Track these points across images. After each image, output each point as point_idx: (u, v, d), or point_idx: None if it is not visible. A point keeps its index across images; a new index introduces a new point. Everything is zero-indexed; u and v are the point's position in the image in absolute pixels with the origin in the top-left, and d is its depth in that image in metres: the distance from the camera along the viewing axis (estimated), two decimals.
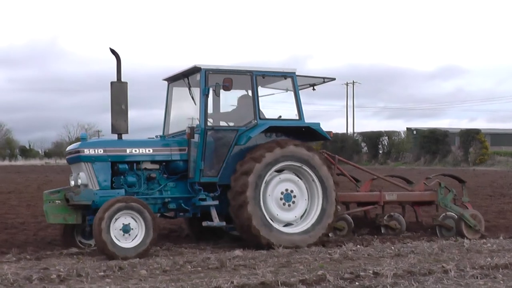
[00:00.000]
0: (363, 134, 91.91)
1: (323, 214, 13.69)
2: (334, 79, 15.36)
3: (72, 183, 13.32)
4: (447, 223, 15.30)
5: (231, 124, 14.35)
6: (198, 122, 13.60)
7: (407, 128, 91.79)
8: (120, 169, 13.22)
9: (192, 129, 13.35)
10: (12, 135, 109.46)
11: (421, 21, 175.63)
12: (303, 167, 13.63)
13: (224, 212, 13.57)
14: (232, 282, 9.74)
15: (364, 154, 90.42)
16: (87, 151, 13.00)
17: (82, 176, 12.97)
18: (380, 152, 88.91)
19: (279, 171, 13.70)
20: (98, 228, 12.01)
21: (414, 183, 16.33)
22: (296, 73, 14.31)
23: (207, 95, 13.39)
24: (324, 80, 15.29)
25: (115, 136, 13.60)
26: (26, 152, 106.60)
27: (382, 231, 15.44)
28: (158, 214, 14.03)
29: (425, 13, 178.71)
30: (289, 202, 13.64)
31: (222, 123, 14.59)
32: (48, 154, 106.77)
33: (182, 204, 13.49)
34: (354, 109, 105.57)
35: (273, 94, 15.07)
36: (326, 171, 13.78)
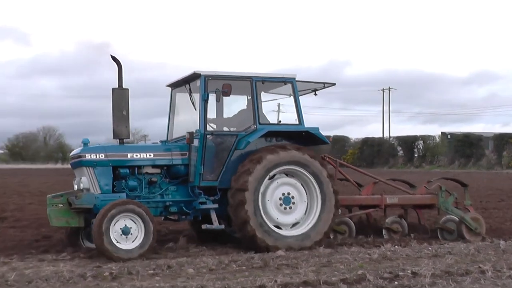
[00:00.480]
0: (399, 138, 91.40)
1: (320, 219, 13.32)
2: (334, 84, 15.01)
3: (76, 187, 13.18)
4: (448, 226, 14.89)
5: (233, 129, 13.96)
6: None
7: (441, 132, 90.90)
8: (121, 173, 13.04)
9: (191, 134, 13.14)
10: (64, 139, 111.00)
11: (455, 27, 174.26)
12: (303, 171, 13.30)
13: (224, 215, 13.32)
14: (275, 281, 9.71)
15: (400, 157, 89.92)
16: (88, 156, 12.85)
17: (84, 181, 12.85)
18: (416, 155, 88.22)
19: (280, 175, 13.40)
20: (98, 232, 11.86)
21: (417, 187, 15.89)
22: (296, 79, 13.94)
23: (206, 101, 13.13)
24: (325, 85, 14.94)
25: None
26: None
27: (384, 234, 14.98)
28: (162, 217, 14.06)
29: (460, 20, 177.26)
30: (288, 206, 13.29)
31: (226, 128, 14.25)
32: None
33: (183, 208, 13.24)
34: (390, 114, 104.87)
35: (276, 99, 14.88)
36: (326, 177, 13.42)
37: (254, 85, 13.38)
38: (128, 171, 13.08)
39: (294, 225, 13.37)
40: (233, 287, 9.42)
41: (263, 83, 13.63)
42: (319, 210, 13.34)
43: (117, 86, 13.10)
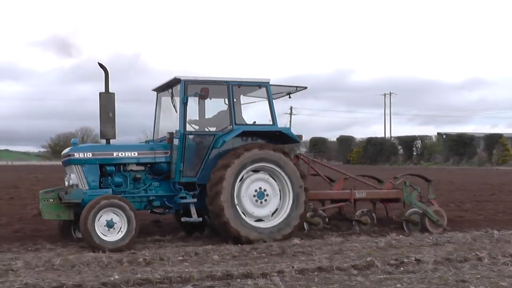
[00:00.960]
0: (399, 138, 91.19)
1: (291, 213, 12.98)
2: (305, 87, 14.63)
3: (66, 183, 12.98)
4: (413, 219, 14.53)
5: (213, 129, 13.63)
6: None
7: (437, 133, 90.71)
8: (107, 170, 12.85)
9: (171, 134, 12.98)
10: (99, 139, 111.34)
11: (449, 38, 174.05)
12: (275, 168, 12.98)
13: (203, 208, 13.02)
14: (293, 267, 9.67)
15: (400, 155, 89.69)
16: (77, 155, 12.71)
17: (73, 177, 12.70)
18: (414, 154, 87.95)
19: (255, 171, 13.10)
20: (84, 227, 11.69)
21: (384, 182, 15.45)
22: (270, 83, 13.58)
23: (186, 104, 12.88)
24: (297, 88, 14.56)
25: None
26: None
27: (354, 226, 14.58)
28: (149, 211, 13.81)
29: (454, 31, 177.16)
30: (262, 200, 12.97)
31: (207, 129, 13.87)
32: None
33: (166, 202, 13.03)
34: (391, 116, 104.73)
35: (255, 102, 14.13)
36: (297, 174, 13.09)
37: (231, 89, 13.19)
38: (114, 168, 12.91)
39: (265, 218, 13.04)
40: (255, 272, 9.33)
41: (239, 87, 13.43)
42: (290, 205, 13.02)
43: (104, 91, 12.91)
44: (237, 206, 12.70)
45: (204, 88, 12.79)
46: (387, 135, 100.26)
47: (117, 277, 9.00)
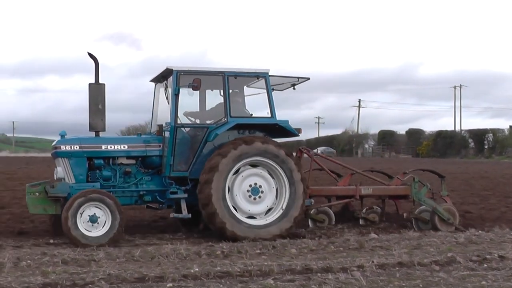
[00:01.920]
0: (470, 131, 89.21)
1: (289, 208, 12.37)
2: (308, 78, 13.85)
3: (55, 176, 12.66)
4: (423, 216, 13.76)
5: (210, 121, 12.96)
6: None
7: (510, 126, 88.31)
8: (95, 164, 12.44)
9: (160, 126, 12.66)
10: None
11: None
12: (270, 162, 12.37)
13: (195, 204, 12.39)
14: (372, 262, 9.53)
15: (471, 149, 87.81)
16: (63, 147, 12.31)
17: (59, 171, 12.35)
18: (486, 147, 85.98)
19: (250, 166, 12.52)
20: (66, 227, 11.32)
21: (394, 178, 14.60)
22: (270, 74, 12.99)
23: (177, 95, 12.32)
24: (299, 79, 13.79)
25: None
26: None
27: (361, 223, 14.08)
28: (145, 206, 13.51)
29: None
30: (256, 196, 12.34)
31: (206, 121, 13.22)
32: None
33: (157, 197, 12.57)
34: (461, 109, 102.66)
35: (259, 93, 13.30)
36: (294, 166, 12.47)
37: (226, 80, 12.58)
38: (102, 161, 12.51)
39: (261, 214, 12.44)
40: (334, 266, 9.22)
41: (235, 78, 12.81)
42: (287, 198, 12.42)
43: (94, 82, 12.54)
44: (230, 207, 12.12)
45: (196, 79, 12.23)
46: (457, 128, 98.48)
47: (197, 269, 9.01)
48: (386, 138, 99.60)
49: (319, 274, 8.83)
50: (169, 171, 12.37)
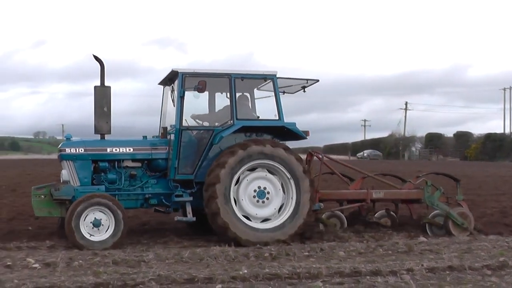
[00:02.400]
0: None
1: (295, 213, 12.08)
2: (317, 80, 13.50)
3: (61, 179, 12.51)
4: (436, 221, 13.32)
5: (217, 124, 12.63)
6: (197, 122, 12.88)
7: None
8: (100, 166, 12.28)
9: (165, 129, 12.55)
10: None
11: None
12: (278, 166, 12.09)
13: (201, 207, 12.17)
14: (422, 265, 9.39)
15: None
16: (68, 150, 12.15)
17: (64, 173, 12.21)
18: None
19: (254, 169, 12.22)
20: (69, 231, 11.22)
21: (407, 181, 14.16)
22: (279, 76, 12.73)
23: (182, 97, 12.12)
24: (308, 81, 13.48)
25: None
26: None
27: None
28: (153, 209, 13.22)
29: None
30: (263, 199, 12.08)
31: (216, 124, 12.76)
32: None
33: (163, 200, 12.35)
34: (511, 111, 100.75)
35: (269, 96, 12.86)
36: (301, 172, 12.16)
37: (233, 82, 12.33)
38: (107, 164, 12.34)
39: (268, 218, 12.18)
40: (383, 269, 9.10)
41: (242, 80, 12.52)
42: (294, 204, 12.14)
43: (99, 84, 12.39)
44: (234, 208, 11.88)
45: (201, 81, 11.96)
46: (507, 131, 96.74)
47: (245, 271, 8.99)
48: (434, 141, 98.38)
49: (368, 277, 8.74)
50: (174, 174, 12.21)
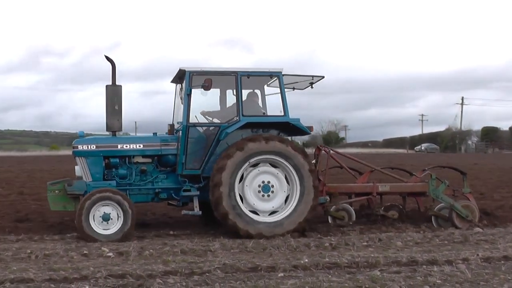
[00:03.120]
0: None
1: (296, 210, 11.98)
2: (323, 77, 13.33)
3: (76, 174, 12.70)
4: (442, 213, 13.07)
5: (225, 121, 12.60)
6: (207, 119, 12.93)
7: None
8: (111, 162, 12.42)
9: (172, 126, 12.66)
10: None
11: None
12: (284, 162, 12.02)
13: (208, 201, 12.16)
14: (477, 255, 9.44)
15: None
16: (81, 147, 12.33)
17: (77, 169, 12.43)
18: None
19: (257, 164, 12.13)
20: (79, 224, 11.31)
21: (414, 175, 13.97)
22: (284, 73, 12.64)
23: (189, 95, 12.16)
24: (313, 78, 13.30)
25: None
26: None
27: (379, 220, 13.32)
28: (167, 203, 13.39)
29: None
30: (267, 193, 12.02)
31: (224, 120, 12.73)
32: (305, 145, 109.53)
33: (173, 194, 12.42)
34: None
35: (278, 93, 12.71)
36: (307, 170, 12.05)
37: (239, 80, 12.29)
38: (118, 160, 12.49)
39: (272, 212, 12.08)
40: (439, 259, 9.19)
41: (248, 77, 12.48)
42: (297, 201, 12.02)
43: (111, 83, 12.47)
44: (238, 200, 11.86)
45: (207, 79, 12.04)
46: None
47: (306, 260, 9.18)
48: (490, 134, 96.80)
49: (424, 266, 8.81)
50: (181, 169, 12.29)
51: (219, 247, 10.41)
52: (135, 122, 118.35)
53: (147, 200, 12.64)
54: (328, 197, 13.10)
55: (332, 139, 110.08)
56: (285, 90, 12.61)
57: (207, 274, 8.44)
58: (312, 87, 13.54)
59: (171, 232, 12.28)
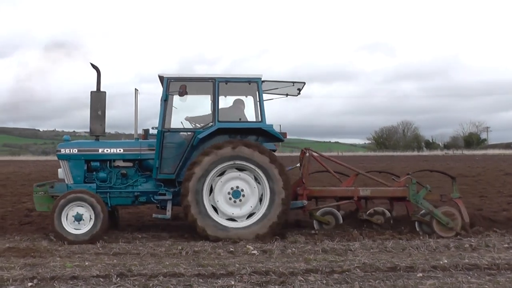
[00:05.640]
0: None
1: (267, 214, 11.34)
2: (304, 83, 12.61)
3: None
4: (425, 219, 11.84)
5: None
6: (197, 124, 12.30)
7: None
8: (92, 166, 12.24)
9: (146, 131, 12.37)
10: (419, 131, 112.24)
11: None
12: (252, 166, 11.44)
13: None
14: None
15: None
16: (63, 151, 12.20)
17: (60, 172, 12.27)
18: None
19: (239, 169, 11.60)
20: (53, 226, 11.18)
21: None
22: (266, 79, 12.19)
23: (166, 101, 11.82)
24: (294, 84, 12.59)
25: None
26: (430, 145, 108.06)
27: (365, 226, 12.30)
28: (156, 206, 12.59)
29: None
30: (237, 199, 11.47)
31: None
32: (447, 146, 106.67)
33: (151, 198, 12.06)
34: None
35: (272, 99, 12.68)
36: (276, 174, 11.39)
37: (217, 86, 11.81)
38: (99, 164, 12.28)
39: (240, 218, 11.50)
40: None
41: (226, 84, 11.96)
42: (267, 205, 11.39)
43: (95, 90, 12.27)
44: (206, 205, 11.40)
45: (182, 85, 11.75)
46: None
47: (445, 261, 8.86)
48: None
49: None
50: (156, 173, 11.99)
51: (359, 247, 10.23)
52: (279, 125, 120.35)
53: (127, 203, 12.47)
54: (305, 201, 12.30)
55: (473, 140, 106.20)
56: (279, 97, 12.61)
57: (347, 272, 8.31)
58: (299, 93, 12.91)
59: (313, 232, 12.11)
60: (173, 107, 12.19)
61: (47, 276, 8.10)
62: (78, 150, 12.29)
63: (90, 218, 11.21)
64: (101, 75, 12.32)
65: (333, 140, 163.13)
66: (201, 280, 7.95)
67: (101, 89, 12.30)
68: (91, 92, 12.31)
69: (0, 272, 8.42)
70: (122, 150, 12.36)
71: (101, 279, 7.98)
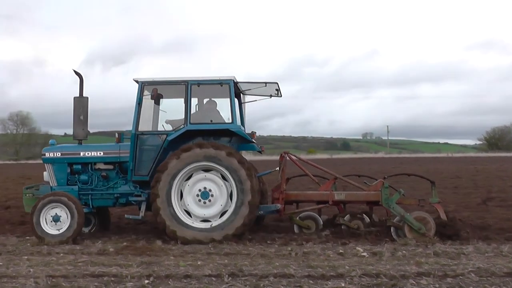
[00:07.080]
0: None
1: (235, 215, 11.22)
2: (276, 83, 12.31)
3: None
4: (400, 224, 11.19)
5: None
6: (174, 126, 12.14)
7: None
8: (75, 169, 12.40)
9: (120, 134, 12.45)
10: None
11: None
12: (219, 168, 11.36)
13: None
14: None
15: None
16: (48, 154, 12.47)
17: (45, 175, 12.51)
18: None
19: (206, 170, 11.49)
20: (32, 227, 11.44)
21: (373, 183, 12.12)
22: (239, 80, 12.03)
23: (140, 104, 11.84)
24: (266, 84, 12.35)
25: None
26: None
27: (344, 230, 11.74)
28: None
29: None
30: (206, 200, 11.40)
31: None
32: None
33: (130, 199, 12.09)
34: None
35: (256, 100, 12.90)
36: (244, 174, 11.23)
37: (189, 88, 11.75)
38: (81, 167, 12.43)
39: (210, 219, 11.42)
40: None
41: (198, 86, 11.84)
42: (234, 205, 11.27)
43: (78, 95, 12.33)
44: (175, 207, 11.36)
45: (154, 89, 11.93)
46: None
47: None
48: None
49: None
50: (130, 175, 12.04)
51: (472, 251, 9.78)
52: (387, 126, 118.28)
53: (109, 205, 12.54)
54: (279, 205, 11.90)
55: None
56: (263, 98, 12.79)
57: (460, 277, 7.95)
58: (280, 95, 12.98)
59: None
60: (160, 111, 12.64)
61: (162, 274, 8.25)
62: (61, 154, 12.60)
63: (67, 220, 11.49)
64: (83, 81, 12.50)
65: (442, 141, 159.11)
66: (311, 281, 7.81)
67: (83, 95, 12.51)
68: (74, 97, 12.53)
69: (119, 269, 8.67)
70: (102, 153, 12.58)
71: (213, 278, 8.04)
